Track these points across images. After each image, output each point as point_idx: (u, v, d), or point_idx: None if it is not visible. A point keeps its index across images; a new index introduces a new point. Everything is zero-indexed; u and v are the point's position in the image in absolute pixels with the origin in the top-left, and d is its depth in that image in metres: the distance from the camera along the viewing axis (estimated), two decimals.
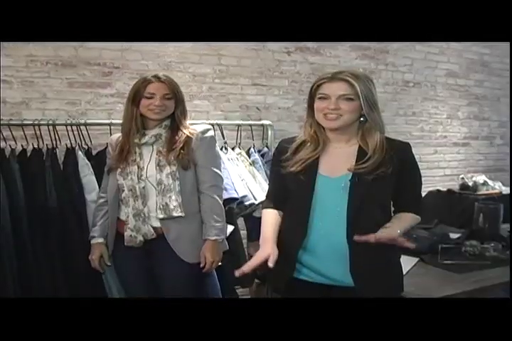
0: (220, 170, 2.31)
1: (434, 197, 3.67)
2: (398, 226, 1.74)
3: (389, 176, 1.73)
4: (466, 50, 4.44)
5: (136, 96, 2.16)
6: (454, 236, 3.00)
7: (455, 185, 4.16)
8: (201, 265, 2.19)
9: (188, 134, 2.18)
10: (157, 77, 2.16)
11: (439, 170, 4.42)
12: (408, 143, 1.85)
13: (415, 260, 2.64)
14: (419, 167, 1.89)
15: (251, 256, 1.89)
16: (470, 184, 3.86)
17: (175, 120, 2.21)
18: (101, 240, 2.26)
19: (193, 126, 2.26)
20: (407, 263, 2.57)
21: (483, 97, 4.60)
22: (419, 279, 2.33)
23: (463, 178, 3.96)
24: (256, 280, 3.07)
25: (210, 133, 2.26)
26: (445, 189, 3.83)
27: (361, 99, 1.73)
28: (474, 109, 4.59)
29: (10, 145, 2.53)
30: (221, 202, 2.27)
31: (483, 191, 3.79)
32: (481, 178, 3.90)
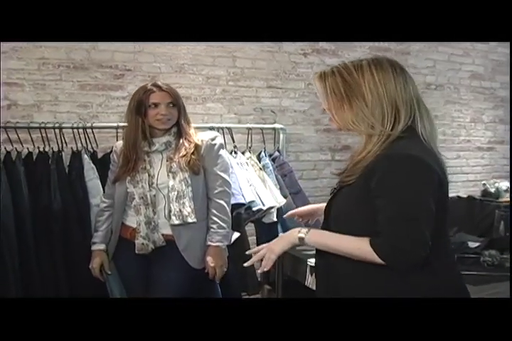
0: (229, 176, 2.31)
1: (454, 203, 3.54)
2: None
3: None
4: (491, 51, 4.30)
5: (140, 107, 2.15)
6: (473, 245, 2.88)
7: (478, 192, 4.02)
8: (206, 270, 2.19)
9: (197, 141, 2.19)
10: (158, 86, 2.16)
11: (462, 176, 4.28)
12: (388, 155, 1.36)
13: None
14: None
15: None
16: (492, 190, 3.71)
17: (181, 127, 2.20)
18: (102, 247, 2.25)
19: (201, 133, 2.27)
20: None
21: (509, 100, 4.44)
22: None
23: (484, 184, 3.81)
24: (267, 287, 3.02)
25: (219, 140, 2.28)
26: (465, 195, 3.70)
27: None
28: (500, 112, 4.44)
29: (16, 149, 2.52)
30: (228, 209, 2.27)
31: (505, 198, 3.63)
32: (504, 184, 3.74)
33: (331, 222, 1.47)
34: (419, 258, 1.30)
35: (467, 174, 4.28)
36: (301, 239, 1.45)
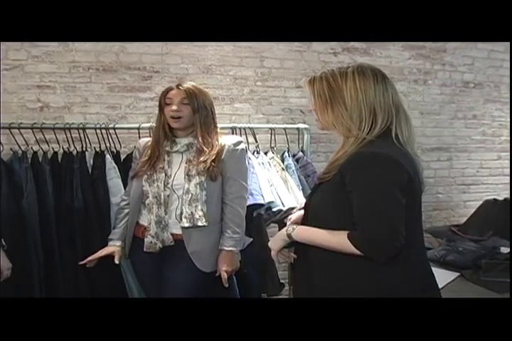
0: (247, 182, 2.31)
1: (490, 206, 3.39)
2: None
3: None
4: None
5: (160, 105, 2.22)
6: (505, 250, 2.76)
7: None
8: (216, 274, 2.19)
9: (219, 145, 2.18)
10: (177, 85, 2.20)
11: (503, 178, 4.11)
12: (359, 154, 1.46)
13: (455, 275, 2.46)
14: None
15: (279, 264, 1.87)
16: None
17: (197, 129, 2.19)
18: (118, 243, 2.28)
19: (225, 137, 2.27)
20: (445, 277, 2.41)
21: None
22: (453, 296, 2.15)
23: None
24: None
25: (242, 145, 2.27)
26: (502, 198, 3.54)
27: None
28: None
29: (42, 149, 2.60)
30: (243, 214, 2.26)
31: None
32: None
33: (309, 216, 1.59)
34: (394, 249, 1.41)
35: (507, 176, 4.10)
36: (289, 236, 1.61)
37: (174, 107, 2.15)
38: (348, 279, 1.49)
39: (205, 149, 2.16)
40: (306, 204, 1.64)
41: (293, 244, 1.66)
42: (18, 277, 2.41)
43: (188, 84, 2.21)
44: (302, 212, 1.68)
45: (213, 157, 2.14)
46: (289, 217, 1.81)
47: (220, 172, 2.17)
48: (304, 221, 1.64)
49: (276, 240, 1.68)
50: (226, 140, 2.24)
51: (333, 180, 1.47)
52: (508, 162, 4.10)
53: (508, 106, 4.07)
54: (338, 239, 1.46)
